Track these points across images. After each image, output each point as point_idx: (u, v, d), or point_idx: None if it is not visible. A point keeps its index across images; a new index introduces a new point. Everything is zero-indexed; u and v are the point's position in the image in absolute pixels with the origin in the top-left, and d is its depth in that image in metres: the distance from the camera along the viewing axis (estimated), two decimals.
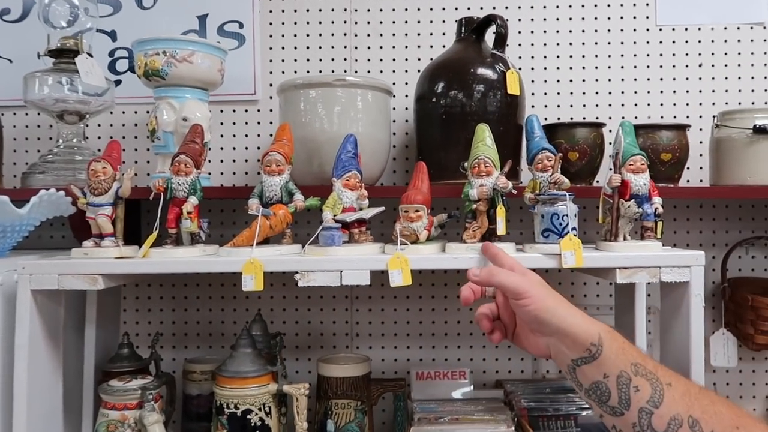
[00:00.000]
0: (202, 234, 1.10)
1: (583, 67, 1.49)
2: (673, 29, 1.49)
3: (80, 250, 1.03)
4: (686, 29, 1.49)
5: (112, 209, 1.06)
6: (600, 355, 0.67)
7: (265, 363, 1.09)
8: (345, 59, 1.49)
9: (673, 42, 1.49)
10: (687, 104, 1.49)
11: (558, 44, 1.49)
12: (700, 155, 1.45)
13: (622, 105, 1.49)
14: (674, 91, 1.49)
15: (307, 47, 1.50)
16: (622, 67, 1.49)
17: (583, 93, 1.49)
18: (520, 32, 1.49)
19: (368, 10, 1.49)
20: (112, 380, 1.11)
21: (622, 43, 1.49)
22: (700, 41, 1.49)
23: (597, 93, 1.49)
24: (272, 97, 1.47)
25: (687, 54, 1.49)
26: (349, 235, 1.07)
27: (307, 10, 1.49)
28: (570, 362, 0.70)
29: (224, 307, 1.49)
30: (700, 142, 1.44)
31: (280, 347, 1.16)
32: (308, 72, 1.49)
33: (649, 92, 1.49)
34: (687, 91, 1.49)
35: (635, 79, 1.49)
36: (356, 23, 1.49)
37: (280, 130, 1.15)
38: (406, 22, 1.49)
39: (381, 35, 1.49)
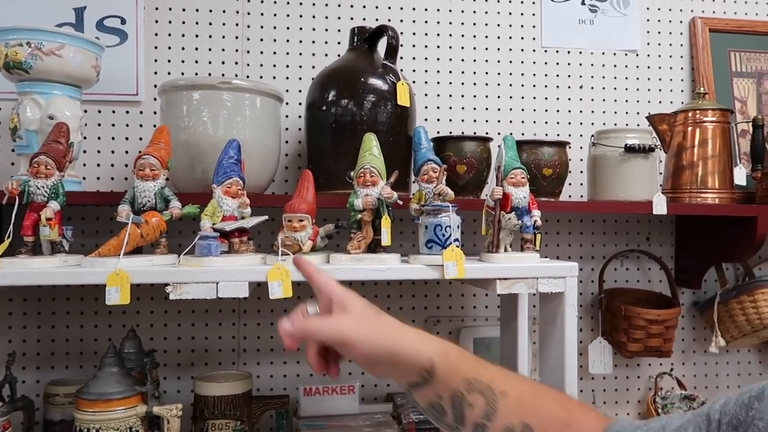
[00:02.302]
0: (65, 242, 1.00)
1: (474, 83, 1.53)
2: (557, 51, 1.57)
3: None
4: (569, 52, 1.57)
5: None
6: (432, 380, 0.65)
7: (133, 383, 1.01)
8: (236, 63, 1.44)
9: (557, 63, 1.56)
10: (569, 123, 1.57)
11: (450, 59, 1.52)
12: (581, 172, 1.52)
13: (510, 121, 1.54)
14: (557, 110, 1.56)
15: (196, 48, 1.43)
16: (510, 84, 1.54)
17: (474, 108, 1.53)
18: (414, 45, 1.50)
19: (261, 14, 1.45)
20: None
21: (510, 61, 1.55)
22: (581, 64, 1.57)
23: (486, 108, 1.53)
24: (156, 98, 1.39)
25: (569, 75, 1.57)
26: (229, 245, 1.02)
27: (197, 10, 1.43)
28: (405, 386, 0.68)
29: (97, 323, 1.38)
30: (581, 159, 1.52)
31: (152, 365, 1.08)
32: (196, 74, 1.42)
33: (534, 110, 1.55)
34: (569, 111, 1.57)
35: (522, 97, 1.55)
36: (249, 27, 1.45)
37: (158, 132, 1.08)
38: (300, 28, 1.46)
39: (274, 41, 1.45)
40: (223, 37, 1.44)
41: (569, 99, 1.57)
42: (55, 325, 1.36)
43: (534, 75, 1.55)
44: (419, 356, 0.66)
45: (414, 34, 1.51)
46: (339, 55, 1.36)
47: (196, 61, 1.43)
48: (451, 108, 1.52)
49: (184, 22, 1.43)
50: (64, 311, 1.37)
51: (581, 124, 1.57)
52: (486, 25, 1.54)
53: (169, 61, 1.42)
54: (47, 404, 1.18)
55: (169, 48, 1.42)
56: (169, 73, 1.42)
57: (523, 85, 1.55)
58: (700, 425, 0.53)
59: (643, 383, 1.59)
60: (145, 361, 1.13)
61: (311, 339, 0.69)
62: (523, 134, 1.53)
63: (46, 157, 0.97)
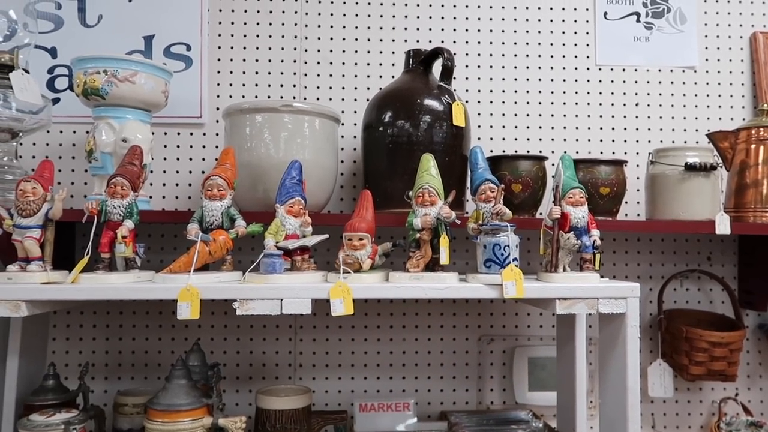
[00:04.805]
0: (138, 259, 1.06)
1: (528, 102, 1.53)
2: (612, 69, 1.56)
3: (4, 274, 0.98)
4: (624, 70, 1.56)
5: (41, 232, 1.01)
6: None
7: (200, 395, 1.05)
8: (294, 86, 1.49)
9: (612, 81, 1.55)
10: (625, 141, 1.55)
11: (503, 79, 1.53)
12: (638, 190, 1.50)
13: (564, 140, 1.53)
14: (613, 128, 1.55)
15: (256, 72, 1.49)
16: (565, 103, 1.54)
17: (527, 127, 1.53)
18: (467, 66, 1.52)
19: (318, 39, 1.50)
20: (33, 414, 1.04)
21: (564, 80, 1.54)
22: (636, 81, 1.56)
23: (540, 127, 1.53)
24: (218, 120, 1.45)
25: (624, 93, 1.55)
26: (291, 262, 1.05)
27: (257, 36, 1.49)
28: None
29: (162, 336, 1.43)
30: (637, 178, 1.50)
31: (217, 378, 1.12)
32: (256, 97, 1.48)
33: (589, 128, 1.54)
34: (625, 128, 1.55)
35: (576, 115, 1.54)
36: (306, 50, 1.49)
37: (224, 154, 1.13)
38: (355, 51, 1.50)
39: (330, 63, 1.50)
40: (282, 60, 1.49)
41: (624, 117, 1.55)
42: (122, 337, 1.43)
43: (588, 93, 1.55)
44: None
45: (467, 54, 1.53)
46: (393, 77, 1.39)
47: (256, 84, 1.49)
48: (505, 127, 1.52)
49: (244, 48, 1.49)
50: (131, 325, 1.43)
51: (637, 142, 1.55)
52: (539, 44, 1.54)
53: (230, 84, 1.48)
54: (116, 413, 1.23)
55: (231, 72, 1.49)
56: (230, 96, 1.48)
57: (577, 104, 1.54)
58: None
59: (706, 408, 1.53)
60: (210, 374, 1.17)
61: None
62: (577, 152, 1.52)
63: (122, 178, 1.03)
